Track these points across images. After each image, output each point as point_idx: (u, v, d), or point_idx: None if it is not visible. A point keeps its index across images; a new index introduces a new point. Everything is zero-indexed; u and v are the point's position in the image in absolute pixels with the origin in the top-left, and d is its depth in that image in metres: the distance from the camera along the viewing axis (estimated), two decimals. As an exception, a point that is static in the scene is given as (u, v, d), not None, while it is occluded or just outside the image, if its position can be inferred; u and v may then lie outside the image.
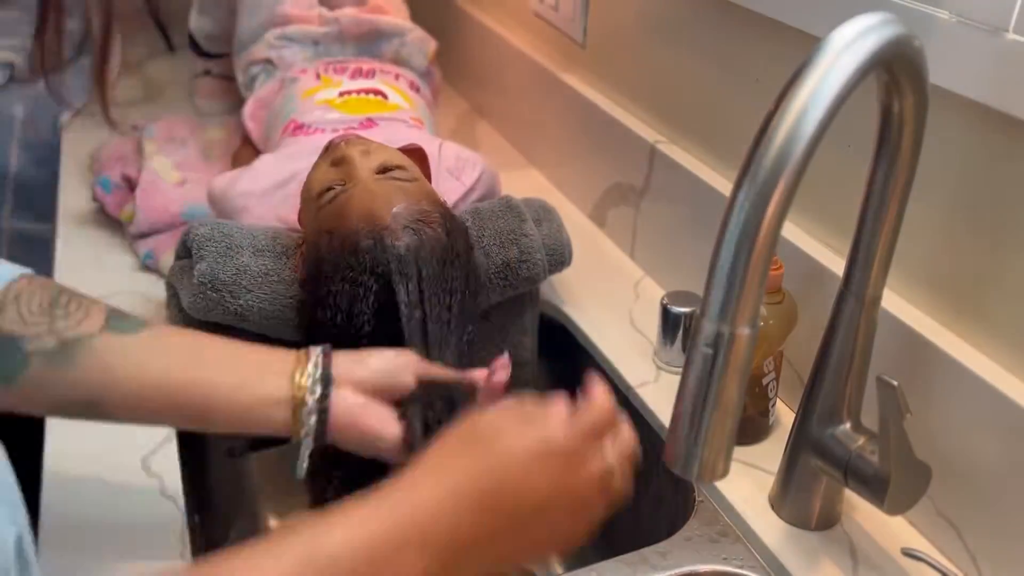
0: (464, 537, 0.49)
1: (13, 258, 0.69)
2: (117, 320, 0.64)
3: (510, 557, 0.52)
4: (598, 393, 0.57)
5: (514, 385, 0.98)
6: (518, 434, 0.52)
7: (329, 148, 0.85)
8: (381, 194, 0.78)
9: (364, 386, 0.67)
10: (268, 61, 1.22)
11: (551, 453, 0.52)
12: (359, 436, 0.67)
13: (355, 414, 0.66)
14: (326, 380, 0.65)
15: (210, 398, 0.63)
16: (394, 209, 0.77)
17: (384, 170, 0.81)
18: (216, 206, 0.98)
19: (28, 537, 0.49)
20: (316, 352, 0.67)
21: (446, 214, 0.81)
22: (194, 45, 1.45)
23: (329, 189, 0.81)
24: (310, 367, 0.66)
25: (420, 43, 1.27)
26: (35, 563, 0.50)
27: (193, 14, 1.38)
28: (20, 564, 0.46)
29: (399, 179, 0.81)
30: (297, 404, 0.64)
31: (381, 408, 0.68)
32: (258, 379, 0.64)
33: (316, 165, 0.85)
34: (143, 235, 1.07)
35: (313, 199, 0.82)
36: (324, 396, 0.65)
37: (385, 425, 0.67)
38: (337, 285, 0.76)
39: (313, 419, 0.64)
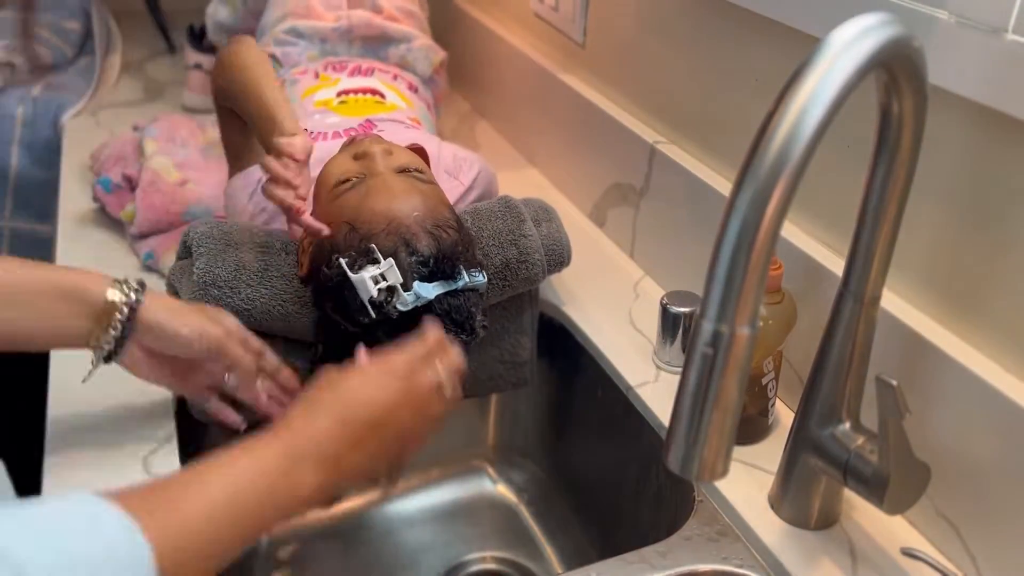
0: (341, 447, 0.61)
1: (13, 257, 0.70)
2: None
3: (373, 456, 0.64)
4: (429, 329, 0.70)
5: (513, 384, 0.98)
6: (364, 368, 0.67)
7: (352, 142, 0.86)
8: (400, 190, 0.79)
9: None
10: (273, 57, 1.22)
11: (392, 373, 0.65)
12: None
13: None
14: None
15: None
16: (415, 213, 0.78)
17: (403, 171, 0.83)
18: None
19: None
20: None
21: (459, 220, 0.82)
22: (193, 37, 1.45)
23: (347, 180, 0.82)
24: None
25: (426, 51, 1.26)
26: None
27: (215, 1, 1.38)
28: None
29: (417, 179, 0.82)
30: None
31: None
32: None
33: (335, 157, 0.86)
34: (144, 235, 1.07)
35: (329, 189, 0.83)
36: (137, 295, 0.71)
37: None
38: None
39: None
